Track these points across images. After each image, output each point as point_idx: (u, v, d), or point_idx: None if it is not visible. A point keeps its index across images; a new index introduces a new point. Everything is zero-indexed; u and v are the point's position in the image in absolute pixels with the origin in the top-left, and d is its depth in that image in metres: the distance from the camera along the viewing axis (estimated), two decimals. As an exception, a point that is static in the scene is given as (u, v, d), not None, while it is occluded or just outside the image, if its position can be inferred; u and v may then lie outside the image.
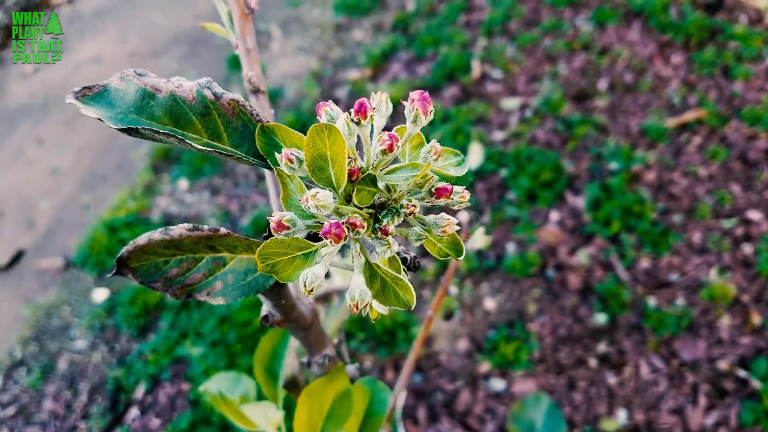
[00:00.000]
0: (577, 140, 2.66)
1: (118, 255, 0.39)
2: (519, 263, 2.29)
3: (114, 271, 0.40)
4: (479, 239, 0.77)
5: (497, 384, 2.07)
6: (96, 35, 3.71)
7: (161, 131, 0.36)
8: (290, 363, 0.71)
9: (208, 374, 2.09)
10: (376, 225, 0.34)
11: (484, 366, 2.10)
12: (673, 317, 2.14)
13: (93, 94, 0.37)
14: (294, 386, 0.71)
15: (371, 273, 0.34)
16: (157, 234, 0.38)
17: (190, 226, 0.39)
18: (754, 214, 2.35)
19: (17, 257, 2.70)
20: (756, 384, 1.98)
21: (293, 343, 0.72)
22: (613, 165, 2.55)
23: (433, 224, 0.35)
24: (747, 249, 2.27)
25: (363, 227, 0.32)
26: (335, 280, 0.75)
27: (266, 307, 0.48)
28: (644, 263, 2.29)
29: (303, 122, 2.98)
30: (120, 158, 3.03)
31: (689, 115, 2.68)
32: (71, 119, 3.24)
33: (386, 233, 0.34)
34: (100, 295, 2.46)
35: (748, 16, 3.01)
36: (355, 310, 0.34)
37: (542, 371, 2.08)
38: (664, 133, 2.63)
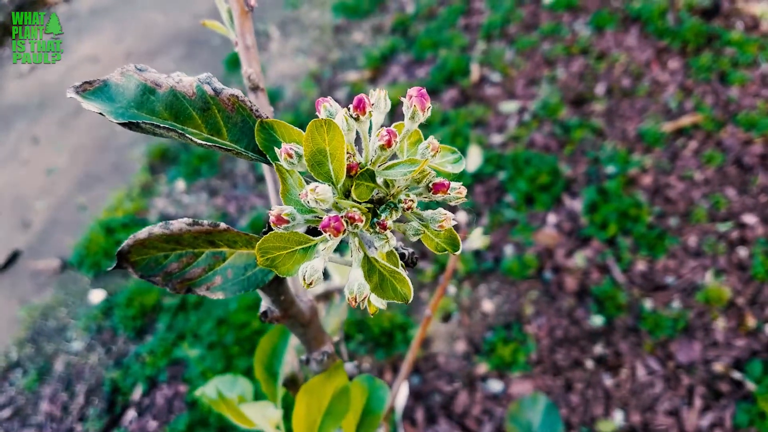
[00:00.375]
0: (574, 144, 2.67)
1: (119, 248, 0.39)
2: (516, 265, 2.29)
3: (115, 265, 0.40)
4: (477, 239, 0.77)
5: (495, 385, 2.07)
6: (93, 34, 3.71)
7: (162, 125, 0.36)
8: (290, 361, 0.71)
9: (205, 376, 2.09)
10: (375, 219, 0.35)
11: (482, 367, 2.11)
12: (669, 320, 2.14)
13: (93, 89, 0.37)
14: (293, 384, 0.71)
15: (369, 267, 0.35)
16: (157, 228, 0.39)
17: (190, 220, 0.39)
18: (749, 218, 2.36)
19: (12, 258, 2.70)
20: (751, 386, 1.99)
21: (293, 341, 0.72)
22: (610, 169, 2.56)
23: (431, 219, 0.36)
24: (742, 252, 2.28)
25: (362, 221, 0.32)
26: (334, 278, 0.75)
27: (265, 303, 0.48)
28: (640, 266, 2.29)
29: (301, 123, 2.98)
30: (116, 158, 3.03)
31: (686, 120, 2.69)
32: (67, 119, 3.24)
33: (384, 228, 0.34)
34: (97, 296, 2.46)
35: (744, 23, 3.03)
36: (353, 303, 0.34)
37: (539, 373, 2.09)
38: (661, 138, 2.64)
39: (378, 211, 0.35)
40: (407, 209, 0.35)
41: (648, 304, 2.20)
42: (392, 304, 2.29)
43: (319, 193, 0.32)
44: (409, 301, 0.35)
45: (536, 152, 2.65)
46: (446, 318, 2.24)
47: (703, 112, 2.69)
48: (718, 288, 2.19)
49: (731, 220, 2.37)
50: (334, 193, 0.33)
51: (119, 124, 0.36)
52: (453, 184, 0.36)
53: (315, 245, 0.35)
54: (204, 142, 0.38)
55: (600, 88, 2.89)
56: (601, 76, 2.94)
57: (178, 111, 0.38)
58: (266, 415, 0.67)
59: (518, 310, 2.22)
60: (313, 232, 0.39)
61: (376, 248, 0.35)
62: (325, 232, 0.32)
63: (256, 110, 0.39)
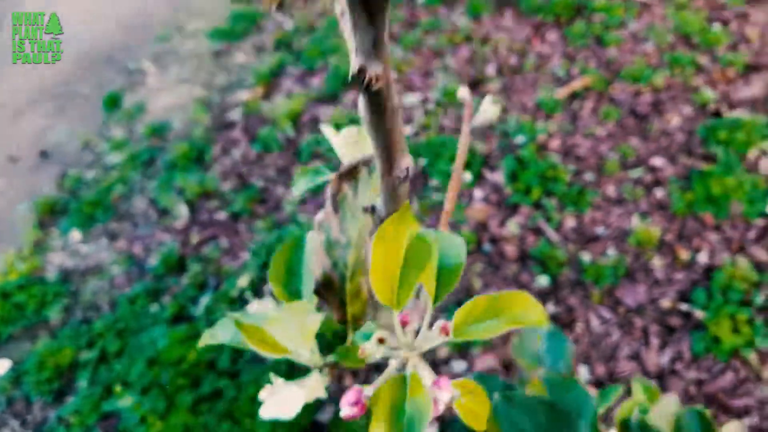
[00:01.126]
0: (480, 122, 2.69)
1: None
2: (455, 242, 2.24)
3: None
4: (489, 109, 0.69)
5: (459, 365, 1.99)
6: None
7: None
8: (320, 262, 0.59)
9: (146, 421, 1.85)
10: None
11: (443, 351, 2.02)
12: (609, 267, 2.17)
13: None
14: (327, 288, 0.59)
15: None
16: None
17: None
18: (657, 161, 2.47)
19: None
20: (699, 314, 2.04)
21: (313, 245, 0.60)
22: (520, 138, 2.60)
23: None
24: (659, 193, 2.37)
25: None
26: (343, 157, 0.64)
27: (358, 60, 0.36)
28: (570, 222, 2.32)
29: (199, 150, 2.82)
30: (-4, 223, 2.70)
31: (576, 84, 2.80)
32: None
33: None
34: (1, 366, 2.13)
35: (604, -7, 3.23)
36: None
37: (500, 344, 2.03)
38: (558, 104, 2.72)
39: None
40: None
41: (586, 256, 2.22)
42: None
43: None
44: None
45: (448, 136, 2.65)
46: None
47: (590, 74, 2.81)
48: (646, 229, 2.25)
49: (641, 166, 2.46)
50: None
51: None
52: None
53: None
54: None
55: (491, 69, 2.95)
56: (489, 58, 3.01)
57: None
58: (306, 324, 0.50)
59: (467, 285, 2.16)
60: None
61: None
62: None
63: None
